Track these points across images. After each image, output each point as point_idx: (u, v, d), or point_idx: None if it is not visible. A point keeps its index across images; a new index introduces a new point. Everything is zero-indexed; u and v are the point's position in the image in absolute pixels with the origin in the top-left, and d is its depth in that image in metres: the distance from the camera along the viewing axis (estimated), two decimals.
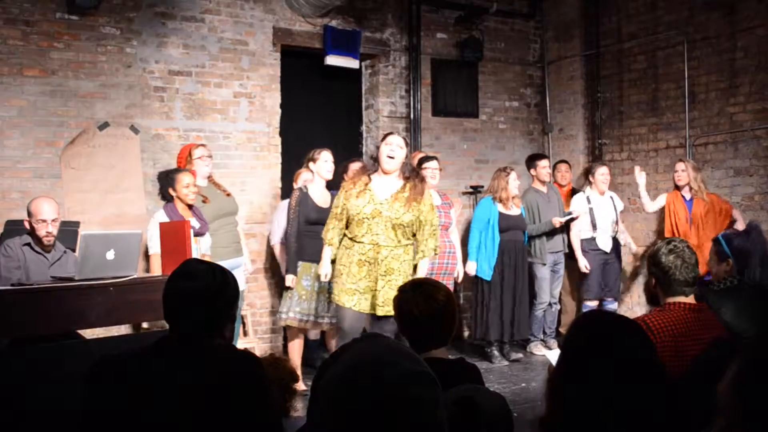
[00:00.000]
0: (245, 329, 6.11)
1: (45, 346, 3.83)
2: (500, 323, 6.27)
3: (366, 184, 4.51)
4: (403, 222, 4.45)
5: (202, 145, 5.74)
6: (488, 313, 6.28)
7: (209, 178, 5.64)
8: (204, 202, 5.41)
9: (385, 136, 4.64)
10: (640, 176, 6.54)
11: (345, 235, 4.58)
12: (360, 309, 4.47)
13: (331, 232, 4.61)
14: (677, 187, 6.29)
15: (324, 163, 5.39)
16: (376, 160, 4.62)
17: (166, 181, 5.27)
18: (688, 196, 6.23)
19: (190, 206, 5.19)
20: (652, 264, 2.85)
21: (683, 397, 2.10)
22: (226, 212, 5.51)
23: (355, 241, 4.48)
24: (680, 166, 6.27)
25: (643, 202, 6.55)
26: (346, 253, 4.52)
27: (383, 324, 4.41)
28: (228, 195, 5.64)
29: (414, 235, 4.55)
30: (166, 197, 5.26)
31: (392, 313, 4.33)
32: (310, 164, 5.48)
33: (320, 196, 5.41)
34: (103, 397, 1.96)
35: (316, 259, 4.88)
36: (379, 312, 4.41)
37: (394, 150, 4.49)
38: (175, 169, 5.41)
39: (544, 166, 6.80)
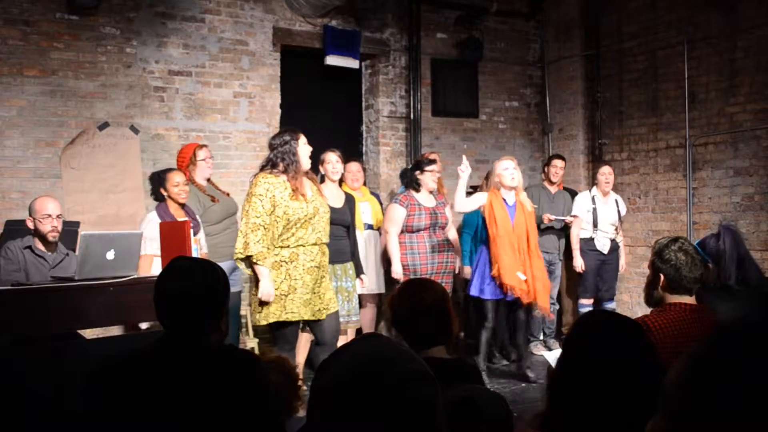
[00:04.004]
0: (245, 329, 6.10)
1: (45, 346, 3.83)
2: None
3: (295, 187, 4.23)
4: (329, 217, 4.45)
5: (204, 145, 5.72)
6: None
7: (208, 179, 5.63)
8: (213, 201, 5.41)
9: (296, 136, 4.33)
10: (465, 169, 5.42)
11: (275, 246, 4.20)
12: (318, 316, 4.34)
13: (260, 244, 4.12)
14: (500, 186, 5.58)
15: (328, 165, 5.40)
16: (282, 161, 4.28)
17: (158, 181, 5.26)
18: (511, 201, 5.57)
19: (182, 206, 5.19)
20: (660, 262, 2.81)
21: None
22: (232, 212, 5.52)
23: (300, 248, 4.22)
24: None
25: (457, 198, 5.46)
26: (293, 266, 4.21)
27: (324, 324, 4.36)
28: (228, 195, 5.64)
29: None
30: (159, 197, 5.25)
31: (333, 310, 4.35)
32: (320, 168, 5.48)
33: (332, 197, 5.34)
34: (104, 398, 1.96)
35: (336, 260, 4.83)
36: (324, 314, 4.34)
37: (310, 147, 4.40)
38: (167, 169, 5.40)
39: (554, 165, 6.79)
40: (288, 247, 4.23)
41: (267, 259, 4.17)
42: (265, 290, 4.16)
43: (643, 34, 7.40)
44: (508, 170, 5.59)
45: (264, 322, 4.28)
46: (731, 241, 3.24)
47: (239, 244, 4.21)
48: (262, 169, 4.36)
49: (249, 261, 4.22)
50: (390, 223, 5.77)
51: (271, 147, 4.38)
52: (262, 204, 4.16)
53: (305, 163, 4.36)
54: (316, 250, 4.31)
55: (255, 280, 4.30)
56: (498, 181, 5.63)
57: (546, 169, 6.91)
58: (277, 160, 4.30)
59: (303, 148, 4.35)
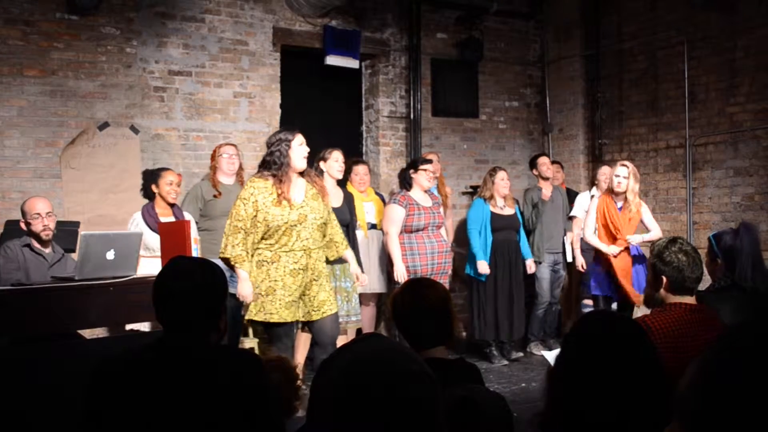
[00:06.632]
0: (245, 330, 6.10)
1: (45, 346, 3.83)
2: (495, 324, 6.26)
3: (280, 192, 4.19)
4: (324, 221, 4.39)
5: (232, 144, 5.75)
6: (483, 314, 6.27)
7: (239, 177, 5.64)
8: (215, 197, 5.42)
9: (290, 137, 4.28)
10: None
11: (259, 248, 4.22)
12: (308, 318, 4.35)
13: (239, 247, 4.15)
14: (611, 192, 5.72)
15: (335, 162, 5.37)
16: (273, 164, 4.24)
17: (150, 177, 5.26)
18: (619, 204, 5.69)
19: (171, 205, 5.19)
20: (661, 264, 2.79)
21: None
22: None
23: (283, 252, 4.20)
24: (622, 171, 5.58)
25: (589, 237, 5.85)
26: (273, 267, 4.20)
27: (321, 325, 4.36)
28: None
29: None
30: (148, 194, 5.25)
31: (329, 312, 4.34)
32: (321, 164, 5.44)
33: (331, 195, 5.32)
34: (105, 397, 1.96)
35: (336, 260, 4.81)
36: (315, 316, 4.34)
37: (307, 148, 4.35)
38: (163, 167, 5.41)
39: (543, 163, 6.78)
40: (271, 247, 4.23)
41: (245, 262, 4.17)
42: (242, 291, 4.19)
43: (643, 34, 7.40)
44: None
45: (248, 318, 4.32)
46: (749, 241, 3.22)
47: (222, 244, 4.25)
48: (259, 168, 4.38)
49: (228, 263, 4.22)
50: (390, 223, 5.76)
51: (267, 145, 4.40)
52: (245, 208, 4.15)
53: (298, 164, 4.30)
54: (300, 254, 4.25)
55: None
56: (608, 186, 5.86)
57: (536, 170, 6.80)
58: (270, 158, 4.28)
59: (297, 150, 4.28)
